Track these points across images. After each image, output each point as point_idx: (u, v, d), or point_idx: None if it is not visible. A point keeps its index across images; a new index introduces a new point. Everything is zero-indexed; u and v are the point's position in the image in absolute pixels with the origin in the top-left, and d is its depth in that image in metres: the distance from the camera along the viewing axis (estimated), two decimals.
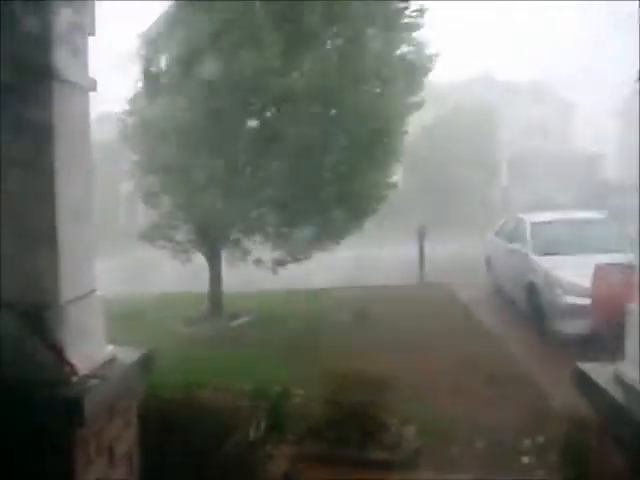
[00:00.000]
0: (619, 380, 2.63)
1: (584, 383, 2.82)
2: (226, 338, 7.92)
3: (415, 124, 9.45)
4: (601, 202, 13.22)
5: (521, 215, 10.54)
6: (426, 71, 8.81)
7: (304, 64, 7.82)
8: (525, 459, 4.36)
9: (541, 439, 4.56)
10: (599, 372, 2.81)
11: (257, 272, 9.02)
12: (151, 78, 8.10)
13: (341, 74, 7.57)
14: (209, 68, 7.31)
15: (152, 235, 8.66)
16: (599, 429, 2.74)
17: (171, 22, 7.87)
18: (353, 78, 7.66)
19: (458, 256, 12.81)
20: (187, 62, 7.53)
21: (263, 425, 3.76)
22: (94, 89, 3.16)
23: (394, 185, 9.14)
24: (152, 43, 8.08)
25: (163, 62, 8.19)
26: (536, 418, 4.93)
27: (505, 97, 27.01)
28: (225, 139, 7.86)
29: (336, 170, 8.09)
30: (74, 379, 2.25)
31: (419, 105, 8.96)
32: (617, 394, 2.52)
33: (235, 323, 8.70)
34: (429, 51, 8.77)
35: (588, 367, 2.92)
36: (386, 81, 8.11)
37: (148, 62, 8.12)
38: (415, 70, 8.60)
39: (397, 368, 5.67)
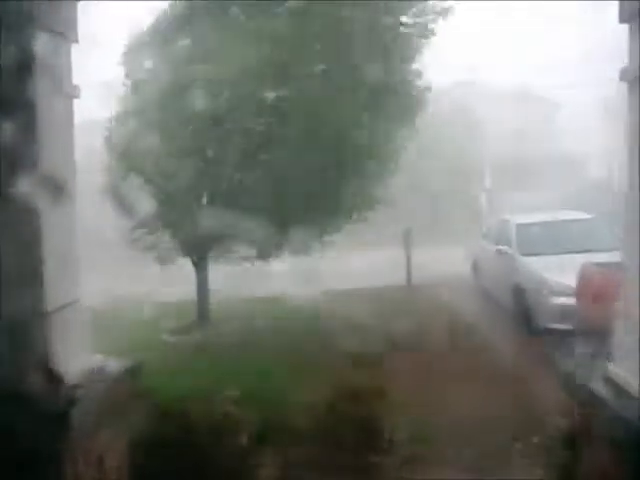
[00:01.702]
0: (607, 379, 2.65)
1: (572, 382, 2.85)
2: (213, 346, 7.86)
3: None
4: (588, 202, 13.32)
5: (506, 217, 10.59)
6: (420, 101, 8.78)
7: (294, 76, 7.81)
8: None
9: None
10: (587, 371, 2.84)
11: (248, 278, 9.00)
12: (135, 86, 8.06)
13: (332, 89, 7.57)
14: (194, 78, 7.29)
15: (139, 242, 8.60)
16: (588, 427, 2.77)
17: (157, 31, 7.84)
18: (345, 93, 7.62)
19: (444, 259, 12.84)
20: (171, 71, 7.50)
21: (255, 432, 3.74)
22: (77, 96, 3.15)
23: (380, 199, 9.09)
24: (137, 50, 8.04)
25: (147, 70, 8.15)
26: None
27: (490, 99, 27.16)
28: (209, 147, 7.84)
29: (324, 179, 8.05)
30: (61, 390, 2.23)
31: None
32: (605, 393, 2.54)
33: (222, 330, 8.65)
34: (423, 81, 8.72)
35: (576, 367, 2.94)
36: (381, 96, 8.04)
37: (132, 69, 8.09)
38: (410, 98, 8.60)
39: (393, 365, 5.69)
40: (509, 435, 4.71)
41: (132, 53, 8.07)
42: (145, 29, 7.98)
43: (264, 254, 8.66)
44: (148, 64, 8.10)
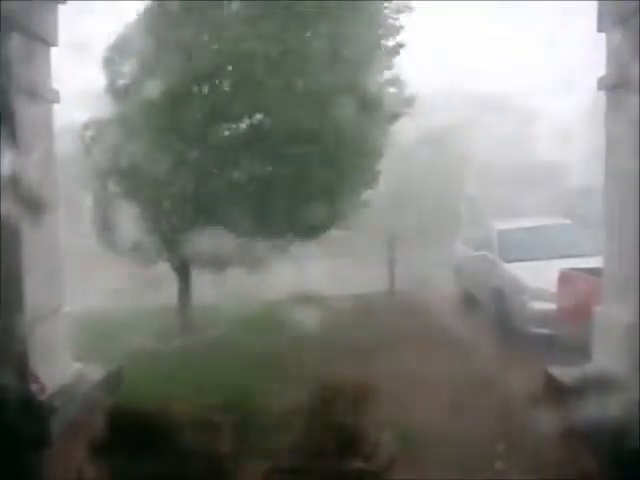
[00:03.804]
0: (587, 383, 2.68)
1: (553, 386, 2.87)
2: (196, 352, 7.81)
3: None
4: (567, 208, 13.52)
5: (488, 223, 10.67)
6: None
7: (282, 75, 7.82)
8: None
9: None
10: (567, 375, 2.87)
11: (232, 284, 8.97)
12: (114, 86, 7.98)
13: (320, 89, 7.59)
14: (176, 76, 7.24)
15: (120, 248, 8.51)
16: (568, 430, 2.79)
17: (139, 29, 7.76)
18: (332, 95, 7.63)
19: (427, 265, 12.91)
20: (153, 69, 7.42)
21: (236, 438, 3.72)
22: (57, 101, 3.11)
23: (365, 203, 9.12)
24: (117, 49, 7.97)
25: (128, 68, 8.07)
26: None
27: (471, 107, 27.42)
28: (194, 150, 7.81)
29: (308, 182, 8.04)
30: (41, 398, 2.19)
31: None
32: (585, 396, 2.57)
33: (205, 337, 8.59)
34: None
35: (556, 371, 2.97)
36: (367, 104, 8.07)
37: (112, 69, 8.01)
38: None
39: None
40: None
41: (112, 58, 8.00)
42: (123, 33, 7.91)
43: (249, 264, 8.60)
44: (129, 69, 8.02)
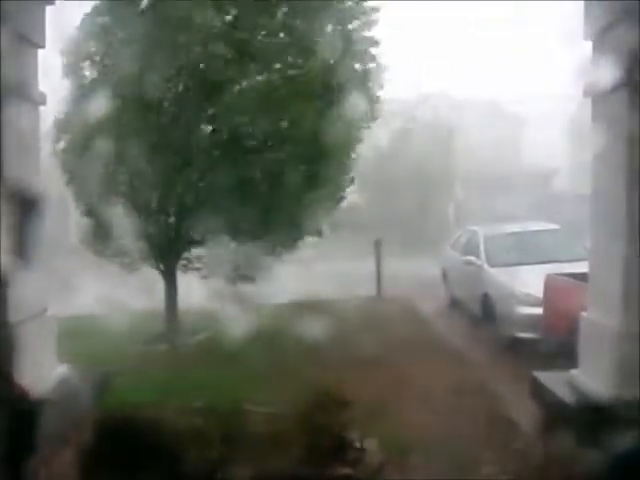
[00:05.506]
0: (573, 387, 2.70)
1: (539, 391, 2.89)
2: (182, 356, 7.77)
3: (369, 141, 9.42)
4: (554, 214, 13.65)
5: (475, 228, 10.73)
6: (379, 84, 8.78)
7: (252, 73, 7.82)
8: None
9: None
10: (554, 380, 2.88)
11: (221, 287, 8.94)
12: (85, 87, 7.87)
13: (291, 85, 7.58)
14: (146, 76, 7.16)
15: (104, 252, 8.45)
16: (554, 434, 2.80)
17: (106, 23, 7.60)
18: (304, 89, 7.62)
19: (415, 269, 12.95)
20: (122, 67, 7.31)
21: (222, 445, 3.69)
22: (44, 103, 3.09)
23: (343, 198, 9.12)
24: (84, 46, 7.85)
25: (100, 67, 7.96)
26: None
27: (459, 113, 27.63)
28: (175, 153, 7.78)
29: (286, 183, 8.03)
30: (24, 403, 2.16)
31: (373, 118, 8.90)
32: (571, 401, 2.58)
33: (193, 340, 8.55)
34: (381, 63, 8.70)
35: (543, 375, 2.99)
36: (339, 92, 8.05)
37: (79, 70, 7.91)
38: (368, 82, 8.57)
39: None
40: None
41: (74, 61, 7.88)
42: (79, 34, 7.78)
43: (239, 277, 8.58)
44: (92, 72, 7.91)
